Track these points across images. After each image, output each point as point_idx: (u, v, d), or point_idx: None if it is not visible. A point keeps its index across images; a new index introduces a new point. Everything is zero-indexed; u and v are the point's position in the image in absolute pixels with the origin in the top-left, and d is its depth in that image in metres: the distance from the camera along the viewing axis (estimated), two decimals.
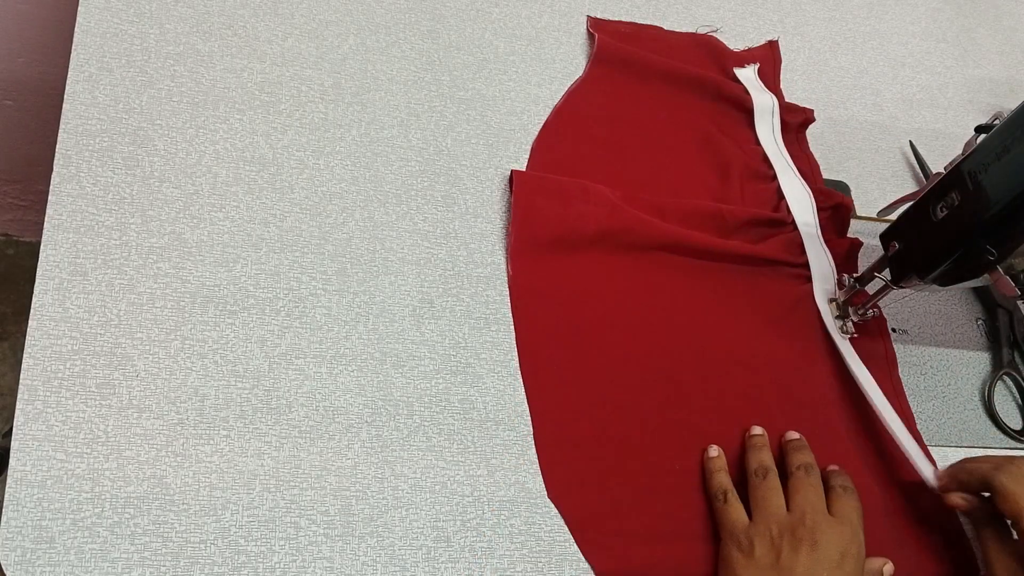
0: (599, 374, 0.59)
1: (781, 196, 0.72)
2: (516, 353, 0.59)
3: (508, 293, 0.60)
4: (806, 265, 0.70)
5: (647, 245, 0.65)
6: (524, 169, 0.66)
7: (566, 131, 0.70)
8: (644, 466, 0.57)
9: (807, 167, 0.76)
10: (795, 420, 0.62)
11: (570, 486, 0.55)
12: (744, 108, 0.77)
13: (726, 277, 0.67)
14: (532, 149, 0.68)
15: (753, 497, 0.56)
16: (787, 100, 0.80)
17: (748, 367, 0.63)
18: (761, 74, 0.80)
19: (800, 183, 0.73)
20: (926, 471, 0.61)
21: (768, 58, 0.83)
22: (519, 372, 0.58)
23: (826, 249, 0.70)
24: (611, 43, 0.76)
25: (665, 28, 0.81)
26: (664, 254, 0.66)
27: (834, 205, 0.72)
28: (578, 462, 0.56)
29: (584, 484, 0.55)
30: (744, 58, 0.81)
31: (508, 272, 0.61)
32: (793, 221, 0.71)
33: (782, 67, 0.82)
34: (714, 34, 0.82)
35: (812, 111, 0.79)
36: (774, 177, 0.74)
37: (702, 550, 0.55)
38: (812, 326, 0.68)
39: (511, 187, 0.63)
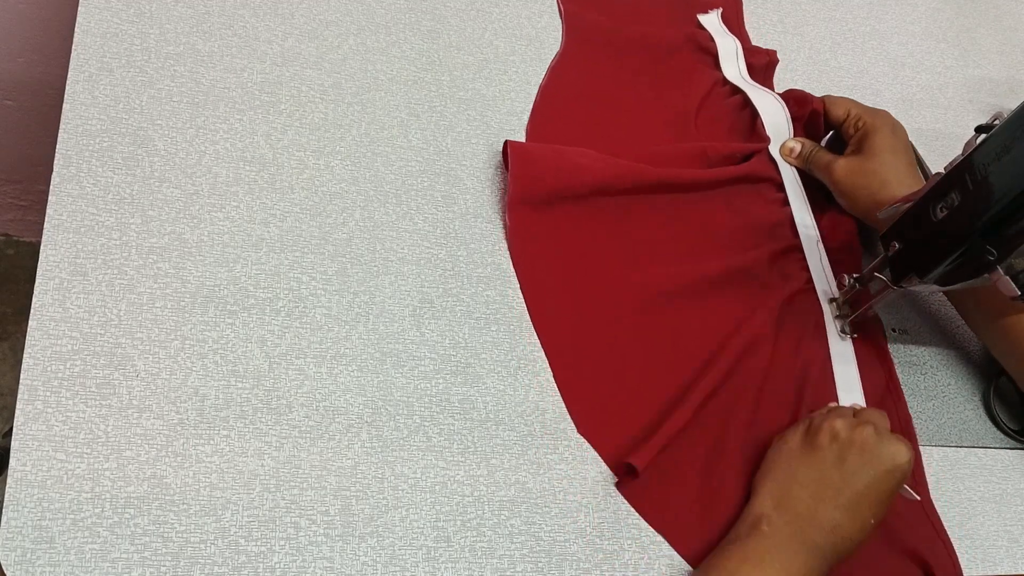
0: (602, 310, 0.62)
1: (756, 115, 0.75)
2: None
3: (507, 250, 0.62)
4: (782, 187, 0.73)
5: (640, 189, 0.68)
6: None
7: (554, 110, 0.71)
8: (648, 376, 0.61)
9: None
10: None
11: (596, 415, 0.58)
12: (711, 53, 0.80)
13: (712, 211, 0.70)
14: (527, 132, 0.69)
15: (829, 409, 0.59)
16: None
17: (734, 286, 0.67)
18: (724, 18, 0.83)
19: (772, 97, 0.76)
20: None
21: (731, 1, 0.85)
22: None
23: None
24: (578, 12, 0.78)
25: None
26: (656, 195, 0.69)
27: (809, 113, 0.75)
28: (596, 386, 0.59)
29: (607, 407, 0.59)
30: (708, 4, 0.84)
31: (505, 225, 0.63)
32: (768, 145, 0.74)
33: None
34: None
35: (775, 52, 0.82)
36: (747, 103, 0.76)
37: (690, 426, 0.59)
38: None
39: (505, 156, 0.64)
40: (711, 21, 0.82)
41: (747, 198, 0.72)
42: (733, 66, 0.79)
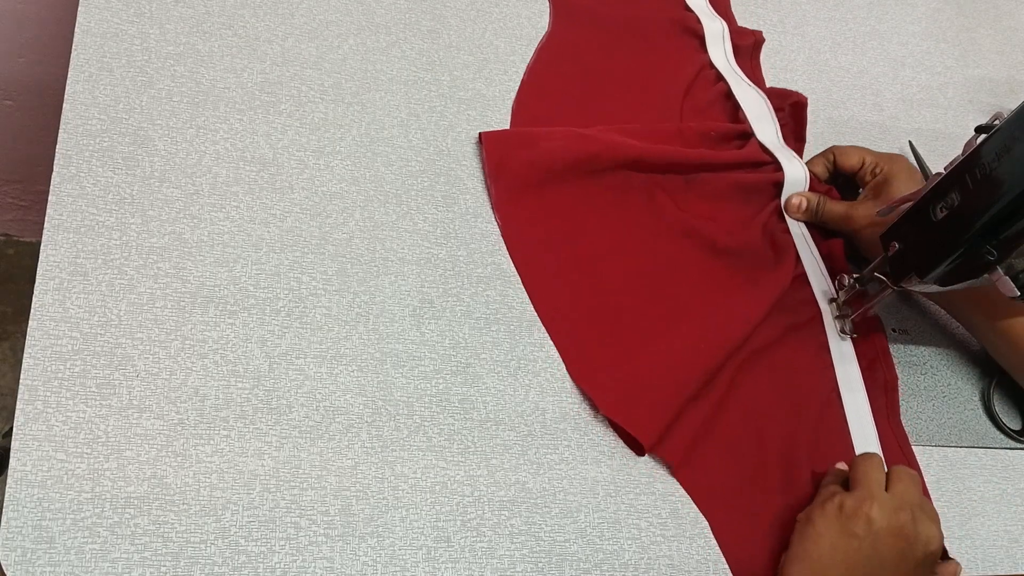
0: (599, 287, 0.63)
1: (738, 107, 0.76)
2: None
3: (505, 248, 0.63)
4: (773, 163, 0.73)
5: (615, 166, 0.68)
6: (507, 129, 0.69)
7: (542, 89, 0.72)
8: (648, 345, 0.62)
9: (759, 83, 0.79)
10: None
11: (617, 392, 0.58)
12: (698, 36, 0.81)
13: (693, 188, 0.71)
14: (512, 111, 0.70)
15: (854, 471, 0.57)
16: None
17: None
18: (712, 1, 0.84)
19: (754, 91, 0.77)
20: None
21: None
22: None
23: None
24: None
25: None
26: (633, 173, 0.69)
27: (791, 104, 0.76)
28: (610, 365, 0.60)
29: (625, 383, 0.59)
30: None
31: (498, 223, 0.63)
32: (752, 132, 0.74)
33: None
34: None
35: (761, 32, 0.82)
36: (729, 93, 0.77)
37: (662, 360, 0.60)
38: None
39: (481, 148, 0.65)
40: (698, 3, 0.83)
41: (735, 182, 0.72)
42: (719, 49, 0.80)
